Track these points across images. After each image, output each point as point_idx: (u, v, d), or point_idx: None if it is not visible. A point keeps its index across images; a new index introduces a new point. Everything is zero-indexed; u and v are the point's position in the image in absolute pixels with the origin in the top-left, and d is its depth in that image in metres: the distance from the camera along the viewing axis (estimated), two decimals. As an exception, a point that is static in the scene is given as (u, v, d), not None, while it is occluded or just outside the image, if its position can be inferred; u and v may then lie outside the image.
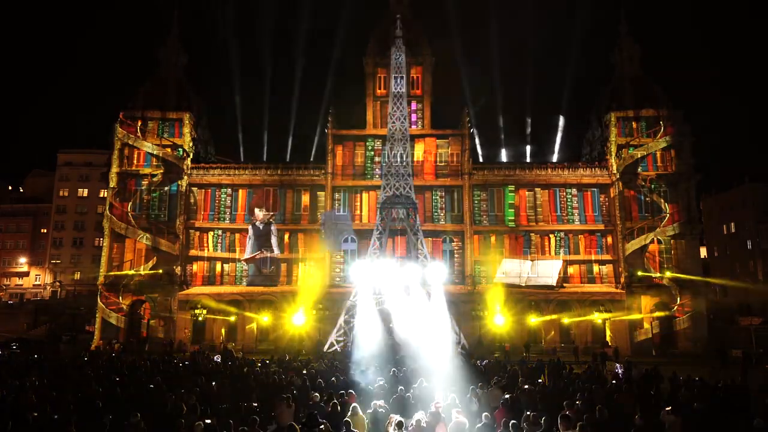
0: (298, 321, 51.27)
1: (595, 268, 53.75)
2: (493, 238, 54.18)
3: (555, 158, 58.73)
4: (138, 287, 52.55)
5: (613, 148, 54.24)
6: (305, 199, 55.55)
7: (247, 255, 53.90)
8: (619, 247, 52.81)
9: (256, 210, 54.46)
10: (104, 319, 51.97)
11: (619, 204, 53.33)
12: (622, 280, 51.58)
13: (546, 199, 54.83)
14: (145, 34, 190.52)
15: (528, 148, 58.95)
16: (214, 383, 19.54)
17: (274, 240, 54.19)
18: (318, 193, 55.31)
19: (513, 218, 53.92)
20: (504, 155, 58.82)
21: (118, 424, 13.10)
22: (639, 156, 54.31)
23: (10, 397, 16.12)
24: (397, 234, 54.52)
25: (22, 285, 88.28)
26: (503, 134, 59.97)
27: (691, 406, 15.59)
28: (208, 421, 14.12)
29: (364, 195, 55.03)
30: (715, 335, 53.92)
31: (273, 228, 54.21)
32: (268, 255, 54.06)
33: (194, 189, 55.48)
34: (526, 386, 19.36)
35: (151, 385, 18.86)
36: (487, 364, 29.44)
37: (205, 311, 52.25)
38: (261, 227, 54.09)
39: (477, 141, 55.75)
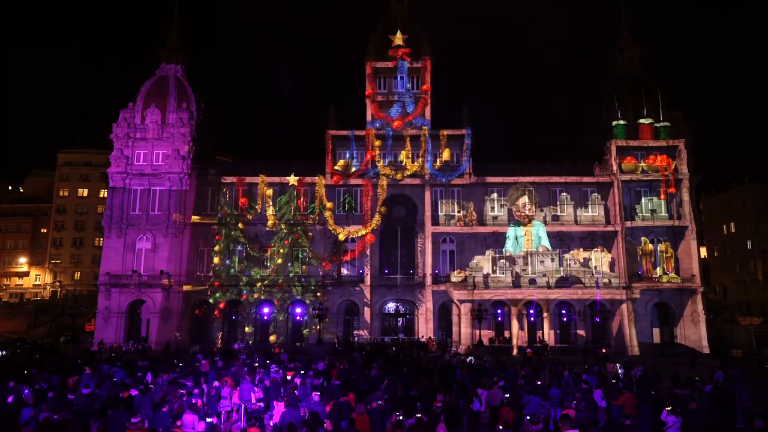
0: (298, 319, 51.44)
1: (595, 267, 53.69)
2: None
3: (555, 158, 58.69)
4: (138, 287, 52.48)
5: (613, 148, 54.27)
6: (304, 199, 55.40)
7: None
8: (619, 247, 52.84)
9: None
10: (104, 319, 51.92)
11: (619, 204, 53.36)
12: (623, 280, 51.57)
13: (546, 198, 54.82)
14: (145, 34, 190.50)
15: (528, 147, 59.02)
16: (215, 383, 19.54)
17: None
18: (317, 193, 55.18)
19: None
20: (503, 155, 58.85)
21: (119, 424, 13.13)
22: (639, 156, 54.41)
23: (10, 397, 16.12)
24: (397, 233, 54.73)
25: (22, 285, 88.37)
26: (504, 134, 60.06)
27: (691, 406, 15.59)
28: (209, 420, 14.16)
29: (364, 195, 54.96)
30: (715, 335, 54.01)
31: None
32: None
33: (194, 188, 55.34)
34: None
35: (151, 386, 18.89)
36: (487, 364, 29.43)
37: (205, 310, 52.40)
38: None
39: (477, 140, 55.64)
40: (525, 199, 52.44)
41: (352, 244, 53.99)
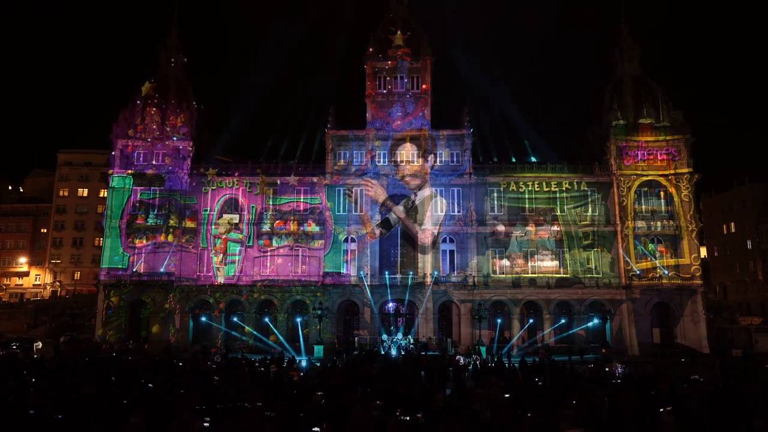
0: (297, 319, 51.41)
1: (595, 267, 53.75)
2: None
3: (555, 158, 58.66)
4: (138, 287, 52.55)
5: (613, 148, 54.26)
6: (305, 198, 55.39)
7: None
8: (619, 247, 52.83)
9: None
10: (104, 319, 51.96)
11: (619, 204, 53.36)
12: (623, 280, 51.60)
13: (545, 198, 54.82)
14: (145, 34, 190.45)
15: (528, 147, 58.88)
16: (214, 383, 19.54)
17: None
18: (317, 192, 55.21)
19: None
20: (504, 155, 58.76)
21: (119, 424, 13.10)
22: (639, 156, 54.42)
23: (10, 397, 16.10)
24: (396, 233, 54.69)
25: (22, 285, 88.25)
26: (503, 134, 60.01)
27: (691, 405, 15.57)
28: (208, 418, 14.12)
29: (364, 195, 54.96)
30: (715, 335, 54.00)
31: None
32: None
33: (194, 189, 55.35)
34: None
35: (151, 385, 18.86)
36: (488, 363, 29.46)
37: (205, 310, 52.44)
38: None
39: (477, 140, 55.62)
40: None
41: (352, 244, 54.01)
